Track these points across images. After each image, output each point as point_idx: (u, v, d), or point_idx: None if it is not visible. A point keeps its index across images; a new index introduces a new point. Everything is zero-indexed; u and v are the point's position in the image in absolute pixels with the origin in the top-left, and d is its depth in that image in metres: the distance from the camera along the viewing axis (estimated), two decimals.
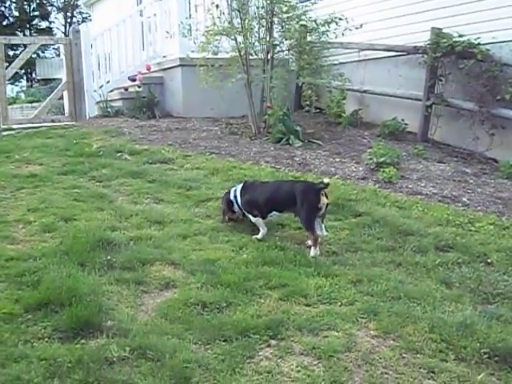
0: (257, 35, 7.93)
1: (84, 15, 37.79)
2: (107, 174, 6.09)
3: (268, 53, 7.92)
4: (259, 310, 3.58)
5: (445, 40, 7.89)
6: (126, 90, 9.86)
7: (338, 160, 6.83)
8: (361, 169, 6.51)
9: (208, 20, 8.69)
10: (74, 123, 8.98)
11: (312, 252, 4.40)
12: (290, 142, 7.43)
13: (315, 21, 8.07)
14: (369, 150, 6.66)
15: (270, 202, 4.69)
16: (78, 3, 36.99)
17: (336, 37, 8.29)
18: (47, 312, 3.42)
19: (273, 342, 3.27)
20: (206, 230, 4.73)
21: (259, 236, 4.67)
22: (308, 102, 9.72)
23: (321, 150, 7.28)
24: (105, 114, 9.46)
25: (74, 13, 38.27)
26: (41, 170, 6.27)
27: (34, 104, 14.16)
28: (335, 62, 8.76)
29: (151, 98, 9.54)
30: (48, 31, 34.37)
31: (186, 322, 3.39)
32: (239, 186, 4.90)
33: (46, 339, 3.17)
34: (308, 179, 6.00)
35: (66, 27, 38.16)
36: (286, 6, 7.78)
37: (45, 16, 36.02)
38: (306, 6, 8.27)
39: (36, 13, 35.33)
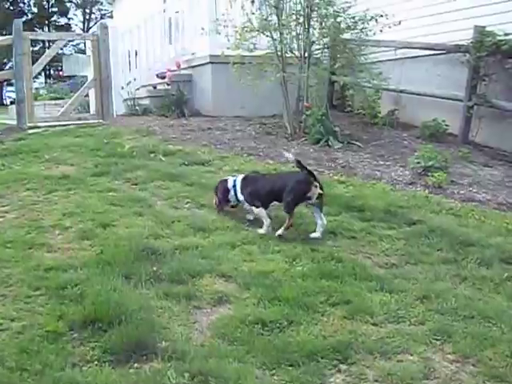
0: (294, 32, 7.59)
1: (103, 11, 37.74)
2: (142, 176, 5.80)
3: (305, 51, 7.58)
4: (323, 329, 3.27)
5: (489, 39, 7.53)
6: (155, 87, 9.60)
7: (381, 163, 6.50)
8: (407, 173, 6.17)
9: (242, 16, 8.37)
10: (100, 121, 8.71)
11: (279, 231, 4.45)
12: (329, 143, 7.11)
13: (353, 17, 7.71)
14: (416, 154, 6.32)
15: (270, 193, 4.64)
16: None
17: (374, 34, 7.95)
18: (94, 330, 3.13)
19: (343, 366, 2.97)
20: (254, 239, 4.42)
21: (263, 231, 4.57)
22: (341, 102, 9.45)
23: (362, 152, 6.96)
24: (132, 112, 9.19)
25: (93, 9, 38.18)
26: (73, 171, 5.99)
27: (58, 101, 13.93)
28: (370, 61, 8.42)
29: (180, 96, 9.25)
30: (67, 28, 34.27)
31: (247, 344, 3.08)
32: (240, 176, 4.88)
33: (96, 362, 2.88)
34: (353, 184, 5.70)
35: (84, 24, 38.12)
36: (324, 1, 7.42)
37: (64, 12, 35.90)
38: (344, 2, 7.88)
39: (55, 9, 35.21)
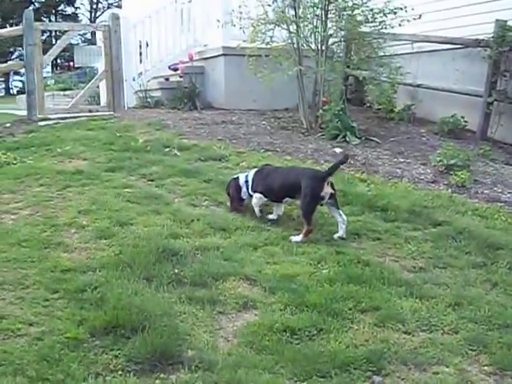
0: (310, 25, 7.40)
1: (110, 1, 37.44)
2: (158, 171, 5.66)
3: (322, 44, 7.40)
4: (354, 338, 3.14)
5: None
6: (167, 79, 9.43)
7: (402, 160, 6.34)
8: (429, 171, 6.01)
9: (256, 8, 8.19)
10: (111, 113, 8.55)
11: (298, 238, 4.28)
12: (347, 139, 6.95)
13: (371, 10, 7.51)
14: (438, 151, 6.15)
15: (282, 188, 4.56)
16: None
17: (392, 27, 7.75)
18: (117, 337, 3.00)
19: (377, 378, 2.84)
20: (276, 240, 4.28)
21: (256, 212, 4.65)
22: (355, 96, 9.27)
23: (381, 148, 6.79)
24: (144, 104, 9.03)
25: None
26: (86, 166, 5.85)
27: (67, 92, 13.75)
28: (386, 54, 8.22)
29: (193, 88, 9.08)
30: (73, 17, 34.02)
31: (276, 353, 2.95)
32: (251, 172, 4.78)
33: (120, 372, 2.76)
34: (375, 181, 5.55)
35: (91, 13, 37.84)
36: None
37: (71, 1, 35.60)
38: None
39: None
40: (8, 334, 3.01)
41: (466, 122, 7.78)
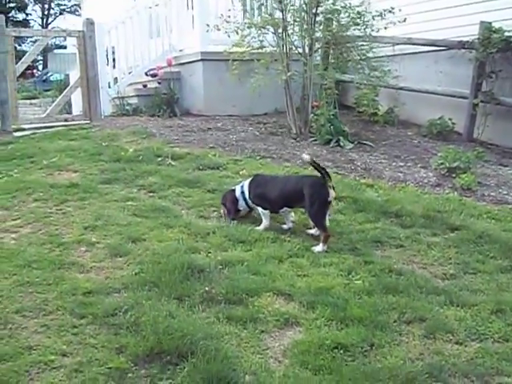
0: (297, 28, 7.31)
1: (62, 6, 36.54)
2: (157, 182, 5.42)
3: (310, 48, 7.30)
4: (408, 351, 3.05)
5: (498, 35, 7.43)
6: (145, 86, 9.14)
7: (401, 164, 6.31)
8: (431, 174, 6.00)
9: (240, 12, 8.07)
10: (88, 122, 8.22)
11: (320, 248, 4.16)
12: (341, 143, 6.87)
13: (359, 13, 7.47)
14: (439, 154, 6.14)
15: (280, 198, 4.46)
16: None
17: (378, 30, 7.74)
18: (163, 365, 2.81)
19: None
20: (300, 251, 4.13)
21: (261, 227, 4.49)
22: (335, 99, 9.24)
23: (376, 152, 6.75)
24: (122, 112, 8.71)
25: (52, 4, 36.91)
26: (79, 179, 5.55)
27: (33, 101, 13.19)
28: (367, 56, 8.16)
29: (172, 94, 8.84)
30: (25, 23, 32.91)
31: (334, 372, 2.81)
32: (246, 182, 4.67)
33: None
34: (382, 187, 5.48)
35: (43, 19, 36.79)
36: None
37: (22, 8, 34.52)
38: None
39: (12, 4, 33.82)
40: (41, 366, 2.78)
41: (453, 123, 7.83)
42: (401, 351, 3.03)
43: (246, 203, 4.64)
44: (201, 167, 5.85)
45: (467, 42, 7.80)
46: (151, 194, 5.19)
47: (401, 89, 8.62)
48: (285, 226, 4.59)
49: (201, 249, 4.06)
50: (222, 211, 4.76)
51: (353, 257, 4.09)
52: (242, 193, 4.63)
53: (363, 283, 3.70)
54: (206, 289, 3.48)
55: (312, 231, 4.45)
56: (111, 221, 4.50)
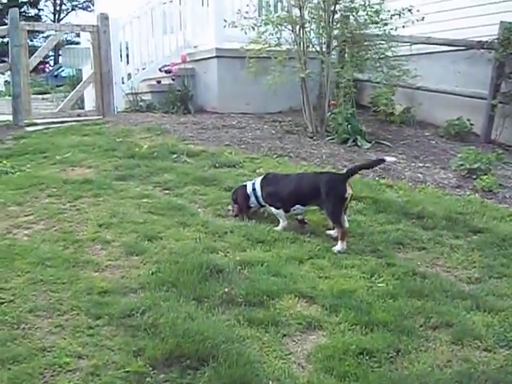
0: (314, 25, 7.18)
1: (74, 2, 36.52)
2: (173, 179, 5.32)
3: (328, 45, 7.17)
4: (435, 358, 2.93)
5: None
6: (159, 82, 9.04)
7: (420, 165, 6.18)
8: (451, 175, 5.86)
9: (254, 7, 7.94)
10: (101, 118, 8.14)
11: (339, 246, 4.07)
12: (358, 143, 6.75)
13: (376, 11, 7.34)
14: (459, 155, 6.01)
15: (294, 195, 4.39)
16: None
17: (395, 29, 7.60)
18: (183, 369, 2.71)
19: None
20: (320, 252, 4.01)
21: (279, 228, 4.38)
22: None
23: (394, 152, 6.61)
24: (136, 108, 8.61)
25: (64, 0, 36.89)
26: (93, 175, 5.47)
27: (45, 96, 13.10)
28: (385, 55, 8.03)
29: (186, 91, 8.74)
30: (36, 19, 32.86)
31: (361, 379, 2.71)
32: (258, 179, 4.61)
33: None
34: (402, 188, 5.35)
35: (55, 15, 36.80)
36: None
37: (34, 3, 34.54)
38: None
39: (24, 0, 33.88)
40: (56, 369, 2.67)
41: (472, 124, 7.69)
42: (428, 358, 2.91)
43: (258, 201, 4.56)
44: (217, 165, 5.74)
45: (486, 42, 7.66)
46: (167, 192, 5.09)
47: (418, 89, 8.47)
48: (331, 232, 4.37)
49: (219, 248, 3.95)
50: (230, 207, 4.68)
51: (375, 259, 3.97)
52: (254, 190, 4.55)
53: (387, 286, 3.59)
54: (226, 290, 3.37)
55: (331, 232, 4.34)
56: (126, 218, 4.40)
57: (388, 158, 4.44)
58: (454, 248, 4.22)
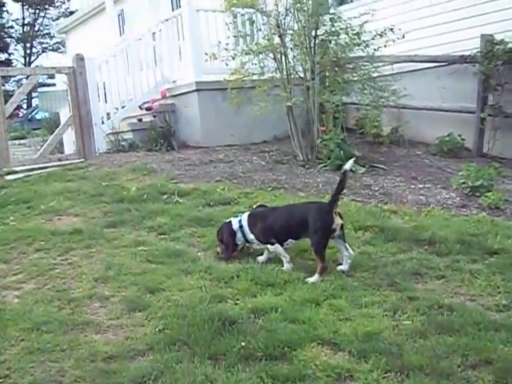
0: (298, 52, 7.03)
1: (44, 45, 36.32)
2: (167, 223, 5.04)
3: (312, 71, 7.01)
4: None
5: (501, 47, 7.21)
6: (140, 120, 8.79)
7: (420, 186, 5.98)
8: (453, 195, 5.67)
9: (232, 38, 7.80)
10: (83, 161, 7.84)
11: (313, 278, 3.91)
12: (353, 168, 6.51)
13: (357, 33, 7.22)
14: (460, 173, 5.84)
15: (284, 229, 4.20)
16: (38, 33, 35.64)
17: (376, 49, 7.48)
18: None
19: None
20: (336, 291, 3.74)
21: (286, 267, 4.14)
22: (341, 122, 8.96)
23: (391, 175, 6.42)
24: (118, 148, 8.34)
25: (34, 43, 36.67)
26: (82, 223, 5.16)
27: (22, 141, 12.76)
28: (367, 76, 7.88)
29: (168, 127, 8.51)
30: (7, 63, 32.57)
31: None
32: (244, 215, 4.40)
33: None
34: (407, 212, 5.13)
35: (25, 58, 36.53)
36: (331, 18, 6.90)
37: (3, 48, 34.25)
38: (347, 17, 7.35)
39: None
40: None
41: (463, 139, 7.57)
42: None
43: (245, 237, 4.32)
44: (211, 203, 5.48)
45: (469, 56, 7.60)
46: (162, 236, 4.80)
47: (404, 107, 8.32)
48: (260, 258, 4.29)
49: (227, 296, 3.67)
50: (219, 249, 4.41)
51: (394, 293, 3.72)
52: (241, 226, 4.32)
53: (413, 323, 3.33)
54: (243, 344, 3.07)
55: (342, 267, 4.09)
56: (123, 270, 4.10)
57: (345, 166, 4.16)
58: (473, 273, 3.99)
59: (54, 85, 11.41)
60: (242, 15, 8.03)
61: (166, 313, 3.46)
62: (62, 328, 3.35)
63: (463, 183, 5.65)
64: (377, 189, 5.83)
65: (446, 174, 6.47)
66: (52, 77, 12.23)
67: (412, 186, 5.98)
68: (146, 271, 4.07)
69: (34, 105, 28.06)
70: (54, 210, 5.63)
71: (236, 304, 3.58)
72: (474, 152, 7.63)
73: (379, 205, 5.32)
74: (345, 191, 5.57)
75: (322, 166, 6.78)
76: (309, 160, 7.07)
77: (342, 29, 7.08)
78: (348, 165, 4.14)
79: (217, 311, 3.39)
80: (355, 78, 7.44)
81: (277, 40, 7.05)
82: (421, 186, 6.00)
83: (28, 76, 8.55)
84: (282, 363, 2.94)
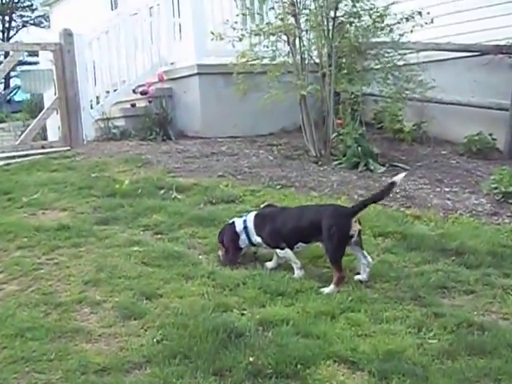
0: (314, 35, 7.05)
1: (25, 18, 36.22)
2: (165, 221, 5.05)
3: (329, 56, 7.02)
4: None
5: None
6: (134, 105, 8.79)
7: (447, 190, 6.01)
8: (484, 201, 5.70)
9: (240, 16, 7.81)
10: (69, 149, 7.85)
11: (328, 289, 3.93)
12: (371, 167, 6.56)
13: (381, 16, 7.23)
14: (492, 177, 5.86)
15: (295, 232, 4.22)
16: (18, 5, 35.58)
17: (402, 35, 7.50)
18: None
19: None
20: (354, 303, 3.76)
21: (297, 274, 4.17)
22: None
23: (414, 176, 6.43)
24: (108, 136, 8.34)
25: (14, 16, 36.60)
26: (69, 219, 5.17)
27: (1, 125, 12.74)
28: (391, 66, 7.89)
29: (164, 114, 8.51)
30: None
31: None
32: (250, 215, 4.42)
33: None
34: (432, 219, 5.15)
35: (3, 33, 36.45)
36: None
37: None
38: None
39: None
40: None
41: (494, 139, 7.58)
42: None
43: (250, 240, 4.34)
44: (213, 201, 5.49)
45: (505, 45, 7.60)
46: (159, 236, 4.82)
47: (428, 101, 8.34)
48: (269, 264, 4.33)
49: (233, 305, 3.69)
50: (220, 252, 4.43)
51: (418, 308, 3.74)
52: (245, 228, 4.34)
53: (440, 342, 3.35)
54: (251, 359, 3.09)
55: (360, 277, 4.11)
56: (116, 273, 4.11)
57: (396, 178, 4.18)
58: (506, 289, 4.01)
59: (36, 63, 11.36)
60: None
61: (164, 322, 3.48)
62: (48, 335, 3.36)
63: (495, 188, 5.68)
64: (398, 190, 5.82)
65: (474, 177, 6.50)
66: (35, 54, 12.20)
67: (437, 190, 6.01)
68: (142, 275, 4.09)
69: (12, 85, 28.01)
70: (37, 203, 5.65)
71: (243, 314, 3.59)
72: (506, 154, 7.64)
73: (401, 209, 5.35)
74: (362, 192, 5.67)
75: (336, 163, 6.80)
76: (322, 156, 7.09)
77: (364, 10, 7.07)
78: (399, 177, 4.12)
79: (221, 322, 3.41)
80: (377, 66, 7.42)
81: (291, 20, 7.05)
82: (447, 189, 6.03)
83: (7, 53, 8.58)
84: (294, 382, 2.96)
